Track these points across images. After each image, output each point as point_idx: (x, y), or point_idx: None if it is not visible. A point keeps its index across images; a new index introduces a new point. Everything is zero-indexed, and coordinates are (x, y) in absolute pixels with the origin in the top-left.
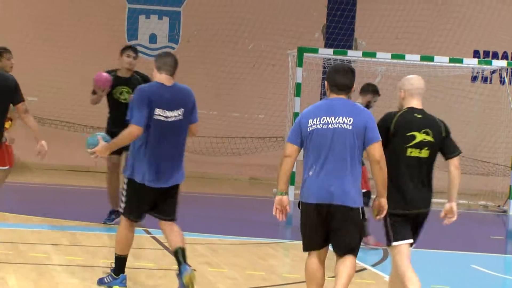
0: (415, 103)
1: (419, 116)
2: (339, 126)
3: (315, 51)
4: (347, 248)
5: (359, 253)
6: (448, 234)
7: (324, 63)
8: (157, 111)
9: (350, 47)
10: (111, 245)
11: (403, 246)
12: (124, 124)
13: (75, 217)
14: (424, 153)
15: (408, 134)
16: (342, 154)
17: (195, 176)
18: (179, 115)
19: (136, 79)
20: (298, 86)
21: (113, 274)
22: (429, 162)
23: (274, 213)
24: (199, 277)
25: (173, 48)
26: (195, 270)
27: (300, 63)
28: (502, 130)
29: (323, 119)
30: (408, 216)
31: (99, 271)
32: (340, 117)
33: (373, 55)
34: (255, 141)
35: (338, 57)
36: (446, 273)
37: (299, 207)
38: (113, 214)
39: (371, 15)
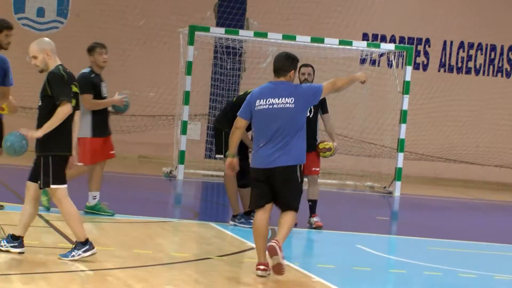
0: None
1: None
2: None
3: (206, 29)
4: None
5: (247, 232)
6: (335, 215)
7: (216, 42)
8: None
9: (241, 27)
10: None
11: None
12: None
13: None
14: None
15: None
16: None
17: None
18: None
19: None
20: (189, 65)
21: None
22: None
23: (226, 171)
24: None
25: (62, 23)
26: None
27: (191, 42)
28: (389, 112)
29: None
30: None
31: None
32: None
33: (264, 35)
34: (145, 119)
35: (229, 36)
36: (332, 252)
37: None
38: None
39: None
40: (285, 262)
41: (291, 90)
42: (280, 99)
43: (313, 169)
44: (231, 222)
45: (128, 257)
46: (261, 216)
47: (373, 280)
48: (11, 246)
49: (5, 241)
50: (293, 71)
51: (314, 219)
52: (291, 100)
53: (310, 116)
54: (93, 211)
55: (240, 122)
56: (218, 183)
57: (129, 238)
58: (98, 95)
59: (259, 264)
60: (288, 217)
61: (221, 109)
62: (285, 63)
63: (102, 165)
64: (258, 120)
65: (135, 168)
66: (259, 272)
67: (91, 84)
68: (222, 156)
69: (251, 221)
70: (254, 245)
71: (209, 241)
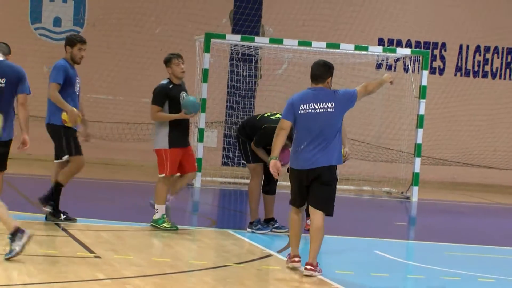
0: None
1: None
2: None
3: (222, 37)
4: None
5: (265, 239)
6: (353, 220)
7: (231, 49)
8: None
9: (257, 34)
10: None
11: None
12: None
13: None
14: None
15: None
16: None
17: (102, 163)
18: (1, 83)
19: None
20: (205, 72)
21: None
22: None
23: (271, 171)
24: (105, 264)
25: (79, 32)
26: (99, 256)
27: (207, 49)
28: (406, 117)
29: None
30: None
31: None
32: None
33: (280, 41)
34: None
35: (245, 43)
36: (350, 258)
37: None
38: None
39: (278, 2)
40: (319, 275)
41: (331, 95)
42: (322, 104)
43: None
44: (249, 229)
45: (146, 265)
46: (296, 212)
47: (391, 286)
48: None
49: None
50: (330, 78)
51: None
52: (332, 105)
53: None
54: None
55: (285, 124)
56: (235, 190)
57: (147, 246)
58: (176, 106)
59: (293, 256)
60: (318, 222)
61: (237, 116)
62: (323, 71)
63: (191, 176)
64: (301, 123)
65: (153, 177)
66: (294, 265)
67: (165, 97)
68: (245, 162)
69: (269, 227)
70: (271, 252)
71: (227, 249)
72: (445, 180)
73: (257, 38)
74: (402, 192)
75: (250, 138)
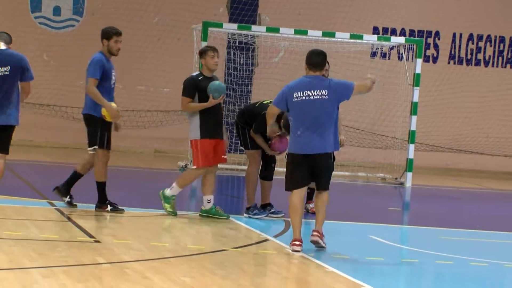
0: None
1: None
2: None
3: (219, 25)
4: None
5: (261, 224)
6: (348, 206)
7: (229, 38)
8: None
9: (254, 22)
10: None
11: None
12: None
13: None
14: None
15: None
16: None
17: None
18: (6, 71)
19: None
20: None
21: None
22: None
23: (269, 134)
24: (104, 249)
25: (78, 21)
26: (99, 241)
27: (205, 38)
28: (400, 105)
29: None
30: None
31: (1, 243)
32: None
33: (276, 30)
34: (160, 115)
35: (242, 32)
36: (345, 243)
37: None
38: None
39: None
40: (324, 247)
41: (325, 83)
42: (315, 91)
43: None
44: (245, 215)
45: (145, 249)
46: (298, 195)
47: (386, 269)
48: None
49: None
50: (326, 65)
51: (311, 205)
52: (325, 92)
53: None
54: (208, 214)
55: (273, 109)
56: (232, 177)
57: (146, 231)
58: (206, 98)
59: (294, 240)
60: (324, 198)
61: (234, 103)
62: (323, 59)
63: (214, 169)
64: (296, 110)
65: (151, 163)
66: (296, 248)
67: (195, 88)
68: (243, 149)
69: (265, 212)
70: (267, 237)
71: (224, 233)
72: (438, 166)
73: (253, 27)
74: (396, 178)
75: (249, 124)
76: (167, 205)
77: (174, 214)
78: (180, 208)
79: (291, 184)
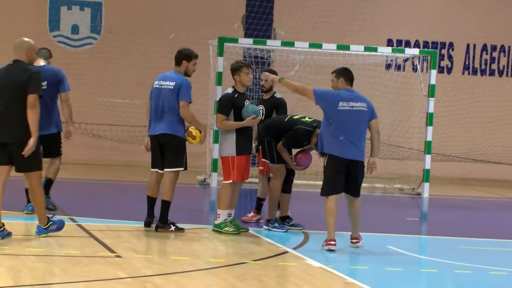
0: None
1: None
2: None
3: (235, 40)
4: None
5: (281, 236)
6: (366, 217)
7: (244, 53)
8: None
9: (269, 37)
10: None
11: None
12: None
13: None
14: None
15: None
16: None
17: (120, 165)
18: (43, 85)
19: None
20: (219, 75)
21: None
22: None
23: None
24: (125, 263)
25: (95, 39)
26: (120, 256)
27: (221, 53)
28: (415, 116)
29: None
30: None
31: (24, 259)
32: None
33: (291, 44)
34: None
35: (257, 47)
36: (364, 253)
37: None
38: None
39: (288, 5)
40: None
41: (364, 97)
42: (358, 103)
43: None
44: (265, 227)
45: (166, 263)
46: (334, 200)
47: (405, 280)
48: None
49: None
50: None
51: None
52: (365, 105)
53: None
54: (218, 229)
55: (310, 93)
56: (250, 190)
57: (166, 245)
58: (240, 114)
59: (330, 240)
60: (359, 204)
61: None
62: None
63: (239, 185)
64: (340, 118)
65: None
66: (331, 247)
67: (231, 106)
68: (269, 162)
69: (285, 226)
70: (287, 249)
71: (243, 246)
72: (455, 176)
73: (269, 41)
74: (413, 189)
75: (276, 138)
76: (226, 229)
77: (237, 232)
78: (199, 222)
79: (329, 190)
